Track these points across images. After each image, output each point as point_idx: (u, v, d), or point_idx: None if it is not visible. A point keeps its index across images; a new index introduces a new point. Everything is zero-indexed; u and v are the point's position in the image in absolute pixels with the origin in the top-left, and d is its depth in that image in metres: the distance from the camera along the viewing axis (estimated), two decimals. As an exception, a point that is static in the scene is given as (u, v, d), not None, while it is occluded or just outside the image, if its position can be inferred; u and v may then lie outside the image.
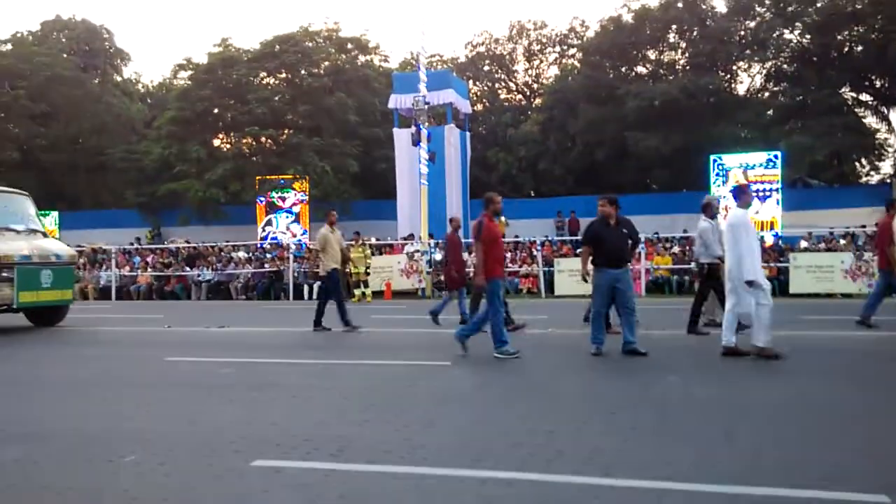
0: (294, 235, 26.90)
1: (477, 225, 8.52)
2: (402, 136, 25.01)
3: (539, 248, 20.91)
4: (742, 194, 8.48)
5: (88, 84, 34.55)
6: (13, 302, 11.80)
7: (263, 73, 32.08)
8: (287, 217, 27.45)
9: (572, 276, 19.53)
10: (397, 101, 25.40)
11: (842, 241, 19.99)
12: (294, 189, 27.46)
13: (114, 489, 4.08)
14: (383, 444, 4.80)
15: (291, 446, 4.78)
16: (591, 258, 8.81)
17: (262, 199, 27.66)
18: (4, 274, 11.68)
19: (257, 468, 4.34)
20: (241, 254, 24.75)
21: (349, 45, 33.20)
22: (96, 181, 34.49)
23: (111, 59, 38.31)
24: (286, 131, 31.83)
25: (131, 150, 33.12)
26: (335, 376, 7.47)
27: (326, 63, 31.53)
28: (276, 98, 31.30)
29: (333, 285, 11.84)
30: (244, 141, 31.61)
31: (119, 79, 38.79)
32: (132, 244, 28.54)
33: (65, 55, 35.02)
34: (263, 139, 31.08)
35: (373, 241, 23.06)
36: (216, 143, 33.03)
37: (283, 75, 32.35)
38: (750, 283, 7.77)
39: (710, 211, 10.76)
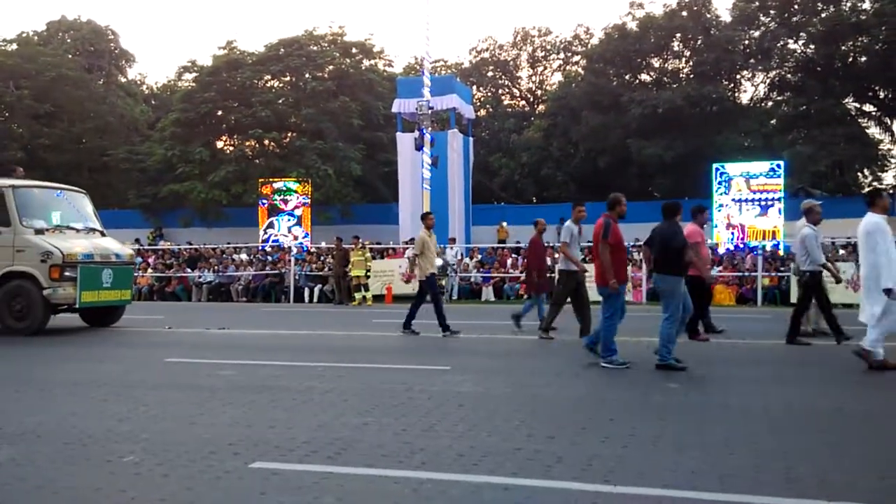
0: (296, 238, 26.91)
1: (603, 226, 8.37)
2: (405, 141, 25.05)
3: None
4: (878, 198, 8.12)
5: (93, 85, 34.65)
6: (75, 301, 11.59)
7: (268, 76, 32.16)
8: (289, 220, 27.47)
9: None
10: (401, 105, 25.43)
11: (841, 252, 19.94)
12: (296, 192, 27.50)
13: (111, 489, 4.07)
14: (382, 447, 4.80)
15: (290, 449, 4.77)
16: (669, 266, 8.11)
17: (265, 201, 27.70)
18: (67, 273, 11.43)
19: (256, 470, 4.34)
20: (243, 256, 24.77)
21: (354, 50, 33.28)
22: (99, 182, 34.54)
23: (116, 60, 38.44)
24: (289, 134, 31.89)
25: (134, 151, 33.18)
26: (334, 379, 7.46)
27: (331, 67, 31.60)
28: (280, 101, 31.37)
29: (432, 289, 11.66)
30: (247, 143, 31.67)
31: (123, 80, 38.91)
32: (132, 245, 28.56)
33: (70, 56, 35.14)
34: (267, 142, 31.14)
35: (373, 244, 23.05)
36: (219, 145, 33.10)
37: (288, 78, 32.43)
38: (888, 292, 7.39)
39: (813, 216, 10.19)
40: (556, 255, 11.64)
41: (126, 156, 32.78)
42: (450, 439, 4.99)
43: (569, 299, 11.00)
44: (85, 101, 33.27)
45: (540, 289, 11.99)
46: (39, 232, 11.67)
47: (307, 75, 31.09)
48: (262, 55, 31.66)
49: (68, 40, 37.01)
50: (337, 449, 4.75)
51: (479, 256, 23.06)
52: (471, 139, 27.98)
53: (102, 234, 12.91)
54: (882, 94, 28.30)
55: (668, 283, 8.02)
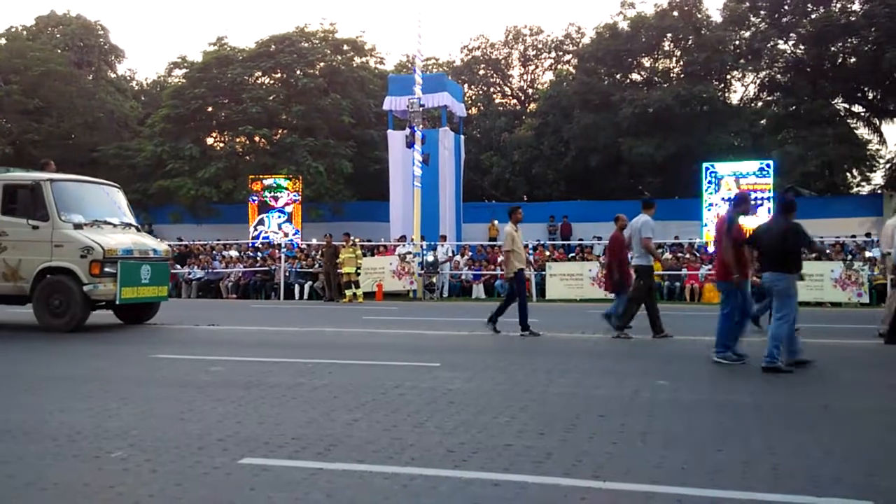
0: (286, 235, 26.85)
1: (728, 222, 8.27)
2: (396, 138, 25.03)
3: (531, 251, 20.92)
4: None
5: (82, 80, 34.41)
6: (115, 297, 11.39)
7: (258, 73, 32.05)
8: (279, 217, 27.39)
9: (563, 279, 19.63)
10: (392, 102, 25.41)
11: (827, 251, 20.03)
12: (287, 189, 27.43)
13: (99, 485, 4.05)
14: (371, 443, 4.80)
15: (279, 445, 4.76)
16: (784, 264, 7.89)
17: (255, 198, 27.61)
18: (107, 269, 11.21)
19: (245, 466, 4.33)
20: (233, 252, 24.69)
21: (345, 47, 33.19)
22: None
23: (105, 56, 38.20)
24: (280, 131, 31.79)
25: (124, 147, 33.00)
26: (324, 375, 7.45)
27: (322, 64, 31.51)
28: (271, 98, 31.26)
29: (520, 286, 11.38)
30: (238, 140, 31.55)
31: (113, 75, 38.67)
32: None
33: (59, 51, 34.88)
34: (257, 138, 31.04)
35: (364, 242, 23.04)
36: (209, 141, 32.97)
37: (278, 75, 32.32)
38: None
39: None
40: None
41: (115, 152, 32.58)
42: (440, 435, 4.99)
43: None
44: (74, 97, 33.04)
45: (621, 286, 11.71)
46: (78, 227, 11.43)
47: (298, 72, 31.00)
48: (253, 51, 31.54)
49: (58, 35, 36.74)
50: (326, 445, 4.75)
51: (470, 254, 23.07)
52: (462, 137, 27.98)
53: (137, 230, 12.73)
54: (871, 95, 28.46)
55: (783, 282, 7.82)
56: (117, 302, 11.52)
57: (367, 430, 5.17)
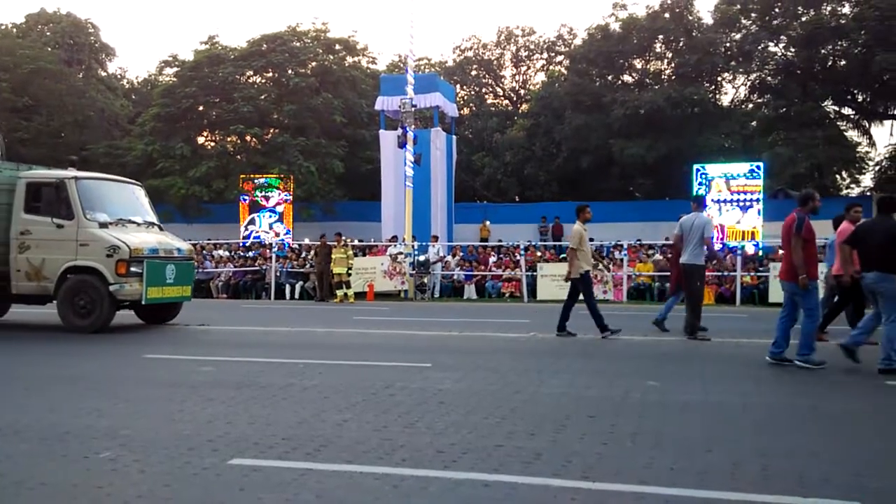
0: (277, 235, 26.78)
1: (797, 221, 8.18)
2: (388, 138, 24.99)
3: (522, 252, 20.96)
4: None
5: (72, 78, 34.21)
6: (142, 297, 11.19)
7: (250, 72, 31.94)
8: (270, 216, 27.32)
9: (554, 280, 19.63)
10: (384, 102, 25.39)
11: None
12: (278, 188, 27.36)
13: (88, 485, 4.04)
14: (362, 444, 4.80)
15: (269, 445, 4.75)
16: (887, 264, 7.76)
17: (246, 197, 27.52)
18: (133, 269, 10.99)
19: (234, 466, 4.32)
20: (223, 252, 24.60)
21: (337, 46, 33.13)
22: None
23: (96, 54, 37.99)
24: (271, 130, 31.69)
25: (114, 145, 32.84)
26: (315, 376, 7.44)
27: (314, 63, 31.45)
28: (262, 97, 31.16)
29: (586, 288, 10.98)
30: (229, 139, 31.43)
31: (103, 74, 38.46)
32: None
33: (49, 49, 34.68)
34: (248, 138, 30.93)
35: (355, 242, 23.02)
36: (200, 140, 32.83)
37: (270, 74, 32.22)
38: None
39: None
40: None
41: (106, 150, 32.41)
42: (430, 436, 5.00)
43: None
44: (64, 95, 32.85)
45: (679, 287, 11.63)
46: (103, 225, 11.25)
47: (290, 71, 30.91)
48: (245, 50, 31.43)
49: (48, 33, 36.53)
50: (317, 445, 4.74)
51: (461, 254, 23.09)
52: (454, 137, 27.98)
53: (160, 228, 12.52)
54: (860, 98, 28.62)
55: (889, 283, 7.68)
56: (143, 302, 11.32)
57: (357, 430, 5.17)
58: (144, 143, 30.58)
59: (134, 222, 11.89)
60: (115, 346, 10.24)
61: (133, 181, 13.27)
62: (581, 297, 10.99)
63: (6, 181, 11.56)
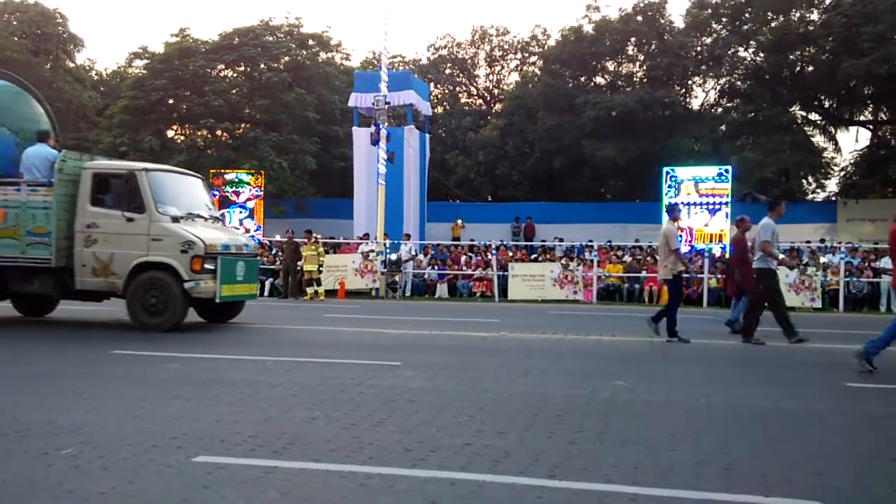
0: (247, 231, 26.54)
1: None
2: (361, 135, 24.92)
3: (494, 252, 21.02)
4: None
5: (39, 69, 33.53)
6: (216, 296, 10.66)
7: (221, 66, 31.60)
8: (240, 212, 27.07)
9: (525, 280, 19.75)
10: (357, 99, 25.28)
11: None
12: (249, 184, 27.12)
13: (49, 482, 3.97)
14: (329, 441, 4.77)
15: (235, 443, 4.71)
16: None
17: (216, 192, 27.23)
18: (207, 265, 10.49)
19: (199, 464, 4.27)
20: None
21: (310, 42, 32.91)
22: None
23: (64, 45, 37.26)
24: (243, 125, 31.41)
25: (81, 137, 32.27)
26: (283, 373, 7.39)
27: (286, 58, 31.20)
28: (234, 91, 30.86)
29: (676, 291, 10.79)
30: (199, 133, 31.09)
31: (71, 65, 37.78)
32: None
33: (15, 38, 33.98)
34: (219, 132, 30.62)
35: (326, 239, 22.90)
36: (170, 134, 32.41)
37: (242, 68, 31.92)
38: None
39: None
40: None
41: (73, 143, 31.83)
42: (399, 434, 4.99)
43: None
44: (30, 86, 32.23)
45: (743, 289, 11.52)
46: (175, 220, 10.73)
47: (262, 66, 30.65)
48: (216, 44, 31.09)
49: (14, 23, 35.75)
50: (283, 443, 4.71)
51: (432, 253, 23.09)
52: (427, 136, 27.97)
53: (223, 223, 12.03)
54: (827, 104, 29.16)
55: None
56: (217, 300, 10.79)
57: (325, 428, 5.14)
58: (112, 136, 30.12)
59: (201, 216, 11.39)
60: (79, 341, 10.08)
61: (194, 174, 12.72)
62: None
63: (70, 171, 10.89)
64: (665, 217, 11.05)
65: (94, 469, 4.18)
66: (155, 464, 4.26)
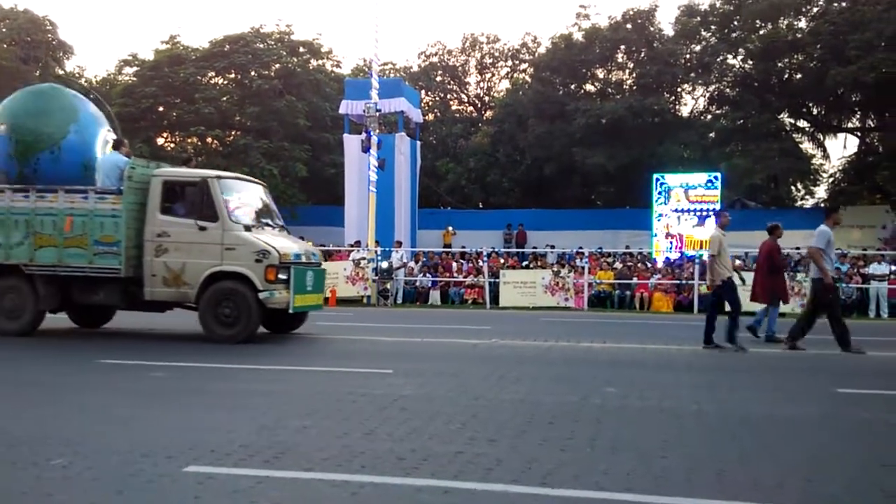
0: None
1: None
2: (352, 142, 24.91)
3: (485, 259, 21.04)
4: None
5: (28, 76, 33.37)
6: (289, 306, 10.36)
7: (212, 73, 31.56)
8: (231, 219, 26.92)
9: (517, 287, 19.77)
10: (348, 106, 25.29)
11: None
12: (240, 192, 26.99)
13: (38, 493, 3.94)
14: (321, 451, 4.75)
15: (226, 452, 4.68)
16: None
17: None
18: (281, 275, 10.22)
19: (189, 474, 4.25)
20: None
21: (301, 49, 32.92)
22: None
23: (53, 52, 37.14)
24: (233, 133, 31.36)
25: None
26: (276, 382, 7.37)
27: (277, 65, 31.19)
28: (224, 98, 30.82)
29: (730, 296, 10.49)
30: (189, 140, 31.00)
31: (61, 72, 37.63)
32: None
33: (4, 45, 33.85)
34: (209, 139, 30.54)
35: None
36: (160, 141, 32.32)
37: (232, 76, 31.89)
38: None
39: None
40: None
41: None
42: (390, 443, 4.98)
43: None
44: (19, 93, 32.09)
45: (773, 297, 11.45)
46: (247, 228, 10.47)
47: (253, 73, 30.63)
48: (207, 51, 31.06)
49: (3, 30, 35.61)
50: (275, 453, 4.69)
51: (423, 260, 23.08)
52: (418, 143, 27.99)
53: (288, 232, 11.84)
54: (815, 111, 29.36)
55: None
56: (290, 311, 10.53)
57: (316, 437, 5.12)
58: (102, 143, 29.98)
59: (269, 224, 11.14)
60: (66, 350, 10.02)
61: (258, 181, 12.51)
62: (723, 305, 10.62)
63: (139, 179, 10.60)
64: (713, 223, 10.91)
65: (84, 479, 4.15)
66: (145, 474, 4.23)
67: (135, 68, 32.08)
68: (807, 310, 10.78)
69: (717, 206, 22.78)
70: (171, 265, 10.39)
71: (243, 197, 11.06)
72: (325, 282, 12.44)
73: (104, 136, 11.34)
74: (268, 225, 11.10)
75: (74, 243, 10.46)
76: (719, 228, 10.84)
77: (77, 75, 40.05)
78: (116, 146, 11.30)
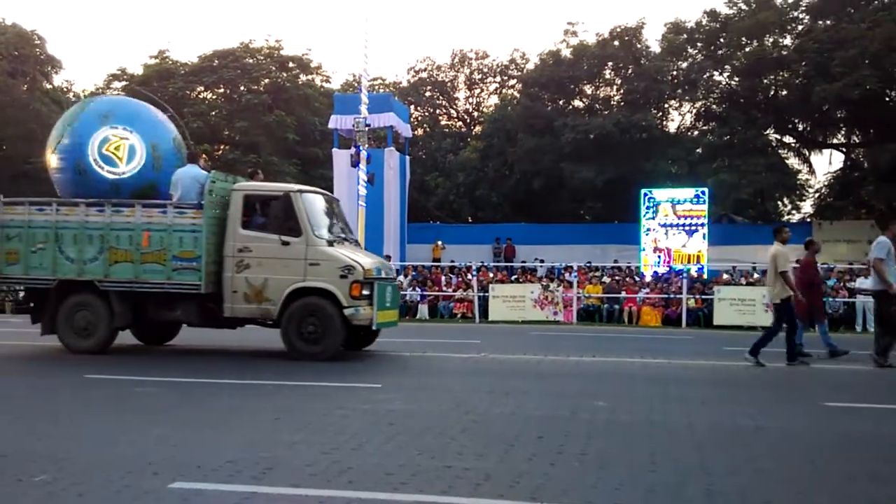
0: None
1: None
2: (341, 157, 24.91)
3: (475, 273, 21.04)
4: None
5: (16, 90, 33.32)
6: (372, 322, 10.12)
7: (201, 88, 31.59)
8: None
9: (506, 301, 19.77)
10: (338, 121, 25.32)
11: (755, 275, 20.71)
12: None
13: (22, 510, 3.89)
14: (310, 466, 4.73)
15: (213, 468, 4.65)
16: None
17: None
18: (365, 292, 9.98)
19: (176, 490, 4.21)
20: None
21: (290, 64, 33.01)
22: (20, 191, 33.11)
23: (41, 66, 37.03)
24: (222, 147, 31.34)
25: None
26: (264, 397, 7.33)
27: (266, 80, 31.26)
28: (213, 113, 30.82)
29: (789, 314, 10.28)
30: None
31: (49, 86, 37.52)
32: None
33: (-9, 59, 33.73)
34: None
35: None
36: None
37: (222, 90, 31.92)
38: None
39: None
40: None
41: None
42: (379, 457, 4.96)
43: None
44: (7, 108, 31.96)
45: (811, 314, 11.22)
46: (330, 243, 10.25)
47: (242, 88, 30.68)
48: (196, 66, 31.10)
49: (-9, 43, 35.54)
50: (263, 468, 4.66)
51: (413, 274, 23.06)
52: (407, 157, 28.04)
53: (360, 245, 11.61)
54: (801, 127, 29.64)
55: None
56: (374, 327, 10.34)
57: (304, 452, 5.09)
58: (90, 158, 29.89)
59: (346, 239, 10.92)
60: (54, 364, 9.92)
61: (333, 195, 12.15)
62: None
63: (219, 193, 10.40)
64: (775, 243, 10.55)
65: (70, 496, 4.11)
66: (131, 490, 4.19)
67: (124, 83, 32.05)
68: (877, 327, 10.50)
69: (704, 220, 22.94)
70: (253, 281, 10.16)
71: (323, 211, 10.84)
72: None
73: (103, 135, 10.85)
74: (345, 239, 10.90)
75: (152, 259, 10.22)
76: (780, 244, 10.53)
77: (65, 90, 39.97)
78: (193, 159, 11.20)
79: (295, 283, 10.01)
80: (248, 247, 10.21)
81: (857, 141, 29.48)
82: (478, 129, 37.39)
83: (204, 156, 11.57)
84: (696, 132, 31.23)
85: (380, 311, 10.24)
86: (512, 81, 37.59)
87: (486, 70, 38.66)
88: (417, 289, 21.86)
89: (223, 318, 10.54)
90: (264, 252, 10.16)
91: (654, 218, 23.35)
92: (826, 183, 30.72)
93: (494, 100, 37.85)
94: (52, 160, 11.03)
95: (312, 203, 10.58)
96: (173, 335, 12.20)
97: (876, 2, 26.41)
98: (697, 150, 29.95)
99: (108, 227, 10.33)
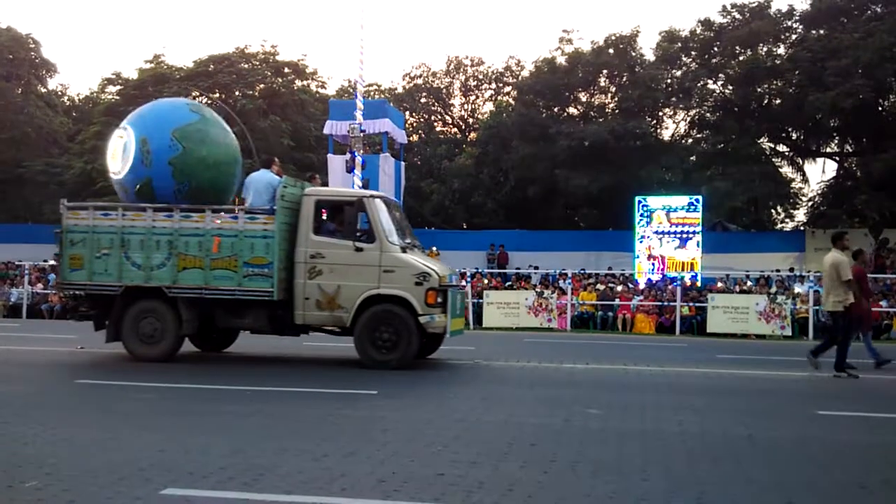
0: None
1: None
2: (336, 163, 24.90)
3: (469, 279, 21.03)
4: None
5: (10, 94, 33.28)
6: (446, 330, 9.97)
7: (196, 92, 31.51)
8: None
9: (500, 308, 19.75)
10: (333, 127, 25.31)
11: (748, 283, 20.77)
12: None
13: (11, 517, 3.87)
14: (301, 473, 4.71)
15: (204, 475, 4.63)
16: None
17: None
18: (440, 299, 9.81)
19: (167, 497, 4.19)
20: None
21: (286, 69, 33.02)
22: (12, 194, 33.05)
23: (36, 70, 37.01)
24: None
25: (52, 163, 31.93)
26: (257, 403, 7.30)
27: (262, 85, 31.26)
28: (209, 118, 30.77)
29: (847, 323, 10.11)
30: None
31: (43, 90, 37.48)
32: (46, 261, 27.32)
33: (-14, 63, 33.69)
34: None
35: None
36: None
37: (217, 95, 31.89)
38: None
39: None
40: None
41: (43, 168, 31.48)
42: (371, 465, 4.94)
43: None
44: (1, 111, 31.91)
45: (862, 323, 11.04)
46: (404, 249, 10.08)
47: (237, 93, 30.66)
48: (191, 70, 31.08)
49: (-15, 47, 35.47)
50: (254, 475, 4.64)
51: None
52: (402, 164, 28.04)
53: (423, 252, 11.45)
54: (794, 136, 29.77)
55: None
56: (448, 335, 10.18)
57: (297, 459, 5.08)
58: (83, 162, 29.81)
59: (416, 246, 10.77)
60: (45, 370, 9.87)
61: (395, 200, 12.06)
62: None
63: (291, 198, 10.22)
64: (833, 249, 10.22)
65: (60, 502, 4.08)
66: (122, 497, 4.17)
67: (118, 87, 32.03)
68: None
69: (698, 228, 22.99)
70: (326, 288, 9.97)
71: (392, 217, 10.65)
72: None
73: (112, 140, 10.83)
74: (415, 245, 10.77)
75: (222, 265, 10.01)
76: (839, 252, 10.29)
77: (59, 93, 39.93)
78: (267, 164, 11.05)
79: (369, 290, 9.84)
80: (321, 253, 10.03)
81: (851, 150, 29.61)
82: (473, 135, 37.46)
83: (277, 161, 11.44)
84: (690, 140, 31.33)
85: (454, 319, 10.17)
86: (507, 88, 37.69)
87: (481, 77, 38.76)
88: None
89: (292, 325, 10.39)
90: (337, 258, 9.98)
91: (648, 225, 23.38)
92: (819, 191, 30.82)
93: (489, 106, 37.96)
94: None
95: (384, 209, 10.40)
96: (231, 342, 12.05)
97: (869, 12, 26.59)
98: (691, 158, 30.04)
99: (177, 233, 10.10)
